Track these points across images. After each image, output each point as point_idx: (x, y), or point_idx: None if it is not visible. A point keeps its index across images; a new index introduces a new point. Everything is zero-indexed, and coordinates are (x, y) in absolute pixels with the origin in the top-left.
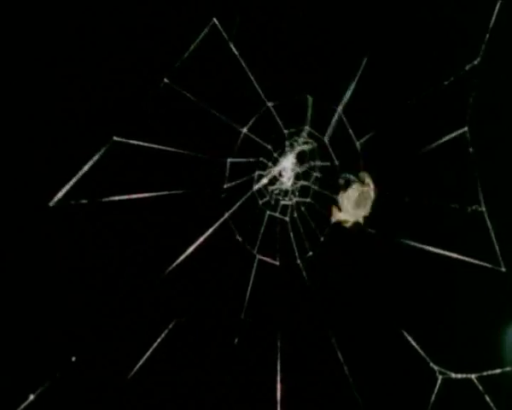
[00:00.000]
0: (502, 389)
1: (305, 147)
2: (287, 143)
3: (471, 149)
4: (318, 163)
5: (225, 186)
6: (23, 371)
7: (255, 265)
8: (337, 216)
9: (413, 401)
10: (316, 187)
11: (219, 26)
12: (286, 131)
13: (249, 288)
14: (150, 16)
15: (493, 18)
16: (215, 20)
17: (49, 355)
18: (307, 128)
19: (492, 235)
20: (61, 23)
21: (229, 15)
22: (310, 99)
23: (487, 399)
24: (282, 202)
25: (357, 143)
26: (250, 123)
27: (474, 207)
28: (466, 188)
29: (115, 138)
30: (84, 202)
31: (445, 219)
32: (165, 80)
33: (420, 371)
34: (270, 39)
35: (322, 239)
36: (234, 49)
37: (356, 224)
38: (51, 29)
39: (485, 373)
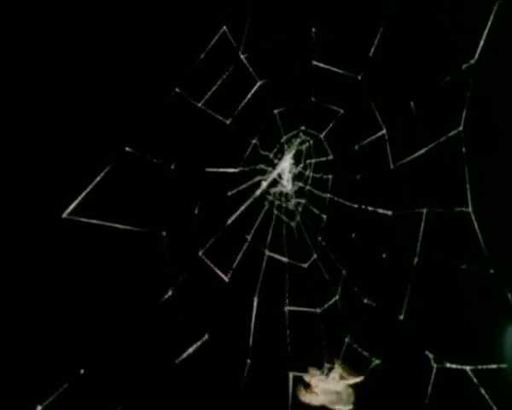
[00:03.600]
0: (497, 384)
1: (302, 147)
2: (285, 146)
3: (464, 150)
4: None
5: (229, 194)
6: (31, 383)
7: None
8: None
9: (407, 389)
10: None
11: (229, 35)
12: (284, 137)
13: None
14: (161, 26)
15: (491, 18)
16: (225, 27)
17: (58, 366)
18: (303, 128)
19: (480, 236)
20: (71, 36)
21: (239, 23)
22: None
23: (482, 391)
24: (285, 206)
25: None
26: (258, 133)
27: (460, 209)
28: (455, 188)
29: (127, 149)
30: (95, 221)
31: (434, 221)
32: (177, 90)
33: (415, 358)
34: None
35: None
36: (243, 58)
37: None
38: (64, 42)
39: (479, 367)
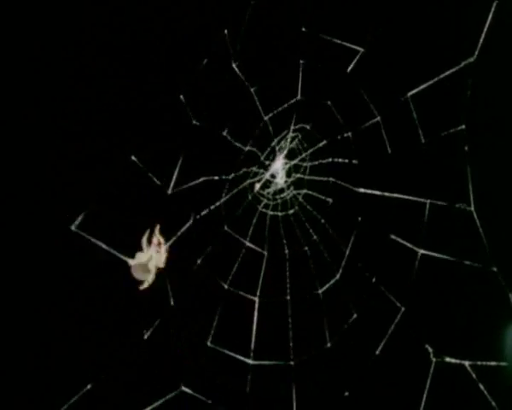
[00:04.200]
0: (496, 381)
1: (293, 144)
2: (276, 148)
3: (466, 148)
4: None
5: (221, 200)
6: (40, 397)
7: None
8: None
9: (406, 382)
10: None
11: (227, 40)
12: (275, 140)
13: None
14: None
15: (490, 16)
16: (226, 32)
17: (65, 382)
18: (292, 127)
19: (482, 234)
20: (73, 41)
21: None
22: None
23: (481, 387)
24: (280, 199)
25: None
26: (251, 141)
27: (461, 205)
28: (457, 187)
29: (133, 158)
30: (103, 246)
31: (436, 216)
32: (181, 97)
33: (415, 352)
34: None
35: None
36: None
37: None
38: (68, 47)
39: (478, 363)
